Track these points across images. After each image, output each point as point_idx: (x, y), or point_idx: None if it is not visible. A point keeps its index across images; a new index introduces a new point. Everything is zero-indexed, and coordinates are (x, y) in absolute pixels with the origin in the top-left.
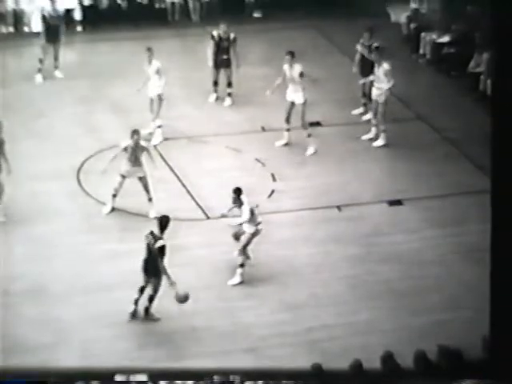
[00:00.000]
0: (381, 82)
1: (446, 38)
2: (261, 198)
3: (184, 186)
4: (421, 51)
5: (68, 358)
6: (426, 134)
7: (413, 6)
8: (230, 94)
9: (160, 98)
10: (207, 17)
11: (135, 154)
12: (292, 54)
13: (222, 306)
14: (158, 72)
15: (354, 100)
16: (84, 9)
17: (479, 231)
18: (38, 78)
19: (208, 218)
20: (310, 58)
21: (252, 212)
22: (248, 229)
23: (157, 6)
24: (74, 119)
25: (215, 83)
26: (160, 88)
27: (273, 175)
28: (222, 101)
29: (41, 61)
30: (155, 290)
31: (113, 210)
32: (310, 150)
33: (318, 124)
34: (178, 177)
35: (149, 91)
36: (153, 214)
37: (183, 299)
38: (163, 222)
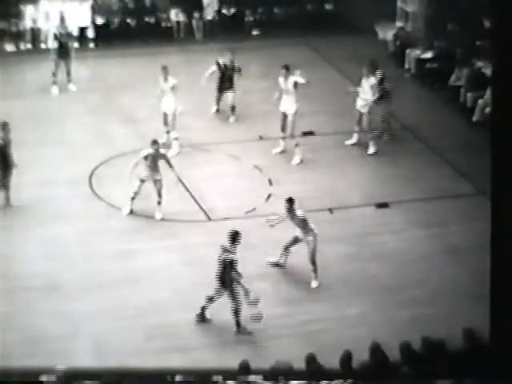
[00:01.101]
0: (366, 94)
1: (428, 54)
2: (259, 202)
3: (187, 190)
4: (406, 66)
5: (80, 348)
6: (410, 143)
7: (398, 24)
8: (233, 111)
9: (174, 112)
10: (209, 34)
11: (155, 161)
12: (287, 67)
13: (222, 300)
14: (173, 88)
15: (345, 111)
16: (97, 27)
17: (460, 231)
18: (54, 89)
19: (210, 219)
20: (304, 72)
21: (304, 220)
22: (309, 236)
23: (163, 24)
24: (87, 128)
25: (218, 101)
26: (174, 103)
27: (269, 180)
28: (221, 113)
29: (54, 74)
30: (236, 303)
31: (131, 212)
32: (296, 160)
33: (311, 133)
34: (181, 181)
35: (163, 106)
36: (159, 216)
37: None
38: (233, 236)
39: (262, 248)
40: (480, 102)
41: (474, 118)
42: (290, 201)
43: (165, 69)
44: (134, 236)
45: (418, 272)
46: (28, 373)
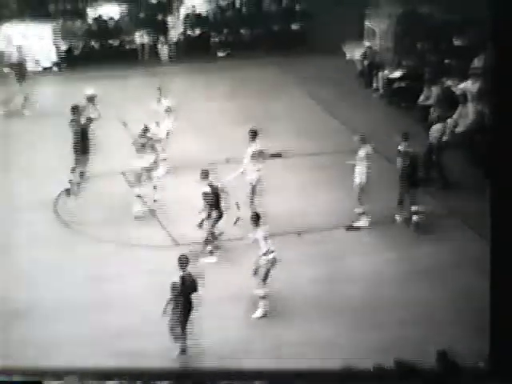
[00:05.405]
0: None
1: (397, 74)
2: (227, 226)
3: (154, 215)
4: (374, 85)
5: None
6: (377, 162)
7: (366, 43)
8: None
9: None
10: (174, 56)
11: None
12: (254, 132)
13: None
14: (168, 110)
15: (311, 131)
16: (60, 51)
17: (428, 253)
18: None
19: (178, 244)
20: (272, 92)
21: (266, 239)
22: (264, 260)
23: (128, 47)
24: (52, 153)
25: None
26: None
27: (237, 204)
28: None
29: None
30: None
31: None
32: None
33: (278, 155)
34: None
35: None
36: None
37: None
38: (183, 260)
39: (232, 270)
40: (449, 121)
41: (444, 138)
42: (257, 216)
43: (159, 89)
44: (102, 261)
45: (388, 294)
46: None
